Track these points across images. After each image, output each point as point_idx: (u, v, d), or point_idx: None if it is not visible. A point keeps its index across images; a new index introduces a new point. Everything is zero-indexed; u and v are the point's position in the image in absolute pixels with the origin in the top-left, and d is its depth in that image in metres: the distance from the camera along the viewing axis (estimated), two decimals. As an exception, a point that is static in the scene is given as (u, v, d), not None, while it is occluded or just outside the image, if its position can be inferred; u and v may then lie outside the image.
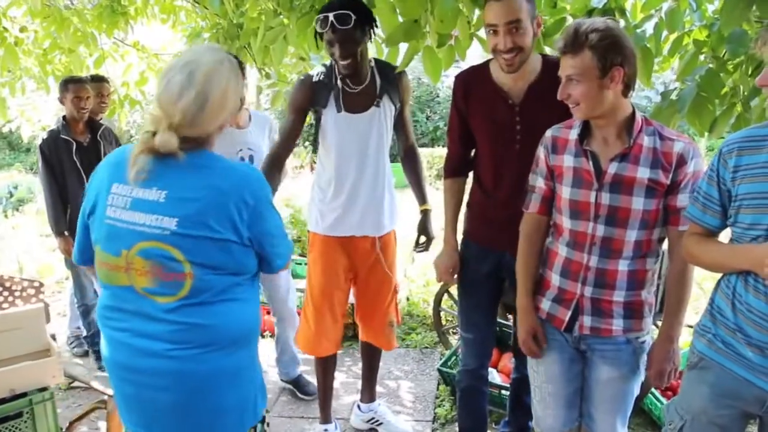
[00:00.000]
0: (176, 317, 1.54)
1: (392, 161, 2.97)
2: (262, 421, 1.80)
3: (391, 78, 2.65)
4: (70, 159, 3.73)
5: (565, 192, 1.96)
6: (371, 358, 3.11)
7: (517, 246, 2.13)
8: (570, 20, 2.41)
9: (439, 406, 3.44)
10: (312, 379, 3.43)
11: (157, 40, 5.72)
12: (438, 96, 13.72)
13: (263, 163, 2.68)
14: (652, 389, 3.04)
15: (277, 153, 2.68)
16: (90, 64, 4.93)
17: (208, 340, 1.57)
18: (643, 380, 2.07)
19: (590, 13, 2.37)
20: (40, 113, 6.22)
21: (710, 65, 2.27)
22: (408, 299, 4.94)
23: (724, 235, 1.77)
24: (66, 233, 3.76)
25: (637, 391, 2.09)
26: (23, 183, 10.39)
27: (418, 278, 5.35)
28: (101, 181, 1.62)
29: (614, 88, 1.79)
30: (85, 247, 1.71)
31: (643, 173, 1.84)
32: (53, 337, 2.69)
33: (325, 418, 3.08)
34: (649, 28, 2.44)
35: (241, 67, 3.05)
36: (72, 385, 3.66)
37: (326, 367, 2.99)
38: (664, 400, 3.05)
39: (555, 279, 2.03)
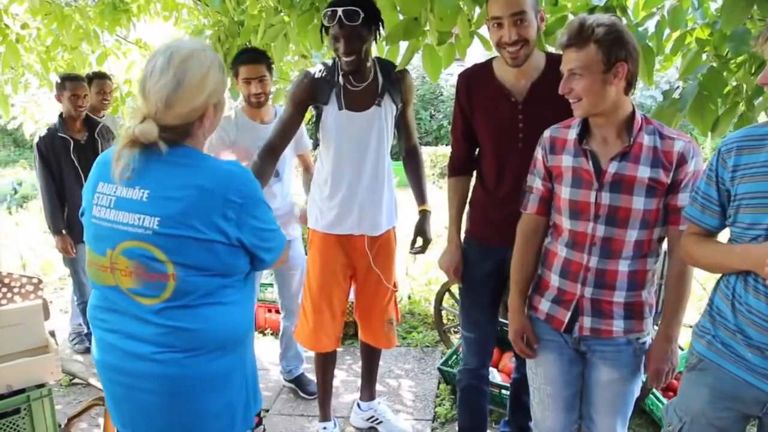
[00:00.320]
0: (161, 320, 1.52)
1: (396, 160, 2.97)
2: (256, 425, 1.78)
3: (393, 77, 2.64)
4: (68, 157, 3.73)
5: (564, 192, 1.94)
6: (370, 357, 3.11)
7: None
8: (571, 18, 2.39)
9: (440, 405, 3.43)
10: (314, 378, 3.43)
11: (160, 37, 5.71)
12: (442, 94, 13.72)
13: (258, 152, 2.66)
14: (653, 389, 3.03)
15: (272, 144, 2.65)
16: (92, 61, 4.94)
17: (193, 344, 1.54)
18: (644, 381, 2.06)
19: (592, 10, 2.35)
20: (43, 110, 6.24)
21: (712, 64, 2.25)
22: (409, 298, 4.93)
23: (722, 236, 1.76)
24: (63, 231, 3.76)
25: (637, 392, 2.08)
26: (27, 180, 10.43)
27: (419, 277, 5.35)
28: (89, 181, 1.62)
29: (617, 84, 1.78)
30: None
31: (643, 172, 1.82)
32: (52, 333, 2.68)
33: (325, 416, 3.08)
34: (650, 26, 2.43)
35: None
36: (73, 381, 3.67)
37: (326, 364, 2.99)
38: (665, 400, 3.03)
39: (554, 280, 2.01)
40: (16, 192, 9.78)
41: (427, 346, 4.19)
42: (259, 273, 3.46)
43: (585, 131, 1.91)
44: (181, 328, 1.52)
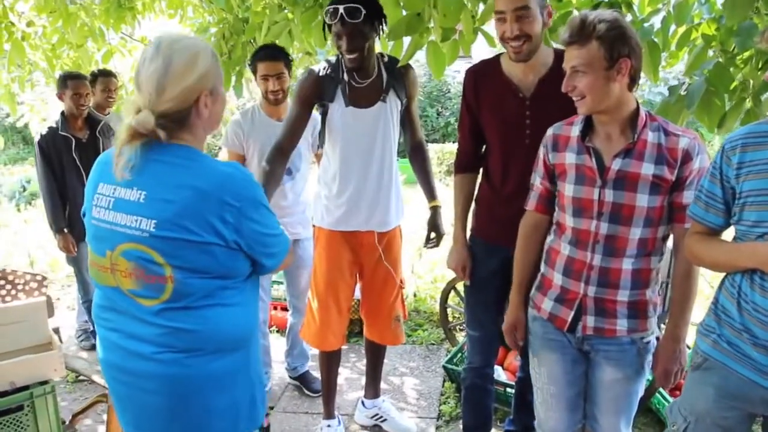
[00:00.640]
0: (161, 320, 1.51)
1: (402, 157, 2.95)
2: (262, 427, 1.76)
3: (397, 73, 2.63)
4: (69, 155, 3.74)
5: (567, 189, 1.93)
6: (375, 355, 3.10)
7: None
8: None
9: (444, 403, 3.42)
10: (319, 376, 3.43)
11: (165, 35, 5.72)
12: (449, 91, 13.66)
13: (267, 155, 2.65)
14: (660, 388, 3.01)
15: (281, 144, 2.64)
16: (98, 59, 4.95)
17: (193, 345, 1.53)
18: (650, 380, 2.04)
19: (596, 6, 2.34)
20: (49, 108, 6.25)
21: (719, 59, 2.22)
22: (415, 295, 4.92)
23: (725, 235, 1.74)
24: (65, 230, 3.76)
25: (641, 392, 2.06)
26: (36, 177, 10.43)
27: (425, 275, 5.34)
28: (90, 181, 1.61)
29: (621, 80, 1.76)
30: None
31: (647, 169, 1.80)
32: (56, 330, 2.70)
33: (329, 414, 3.07)
34: (656, 22, 2.40)
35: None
36: (79, 378, 3.69)
37: (330, 362, 2.99)
38: (671, 399, 3.01)
39: (557, 278, 2.00)
40: (24, 189, 9.81)
41: (433, 344, 4.18)
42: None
43: (588, 128, 1.90)
44: (181, 329, 1.52)
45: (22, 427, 2.41)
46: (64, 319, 4.62)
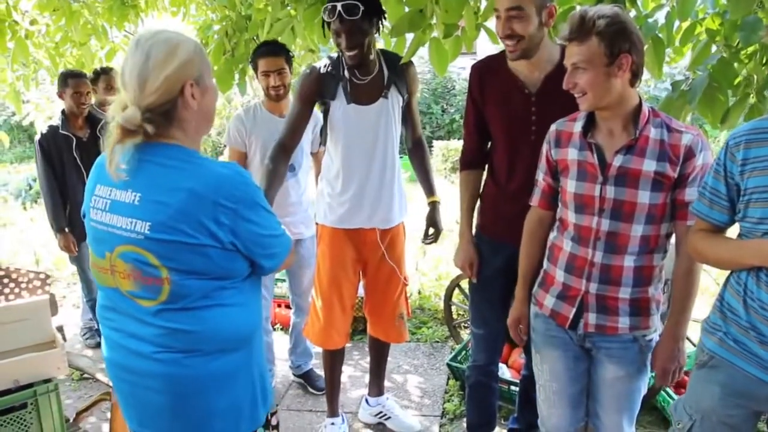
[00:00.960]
0: (159, 321, 1.51)
1: (402, 155, 2.95)
2: (266, 426, 1.76)
3: (398, 69, 2.62)
4: (70, 154, 3.74)
5: (570, 186, 1.92)
6: (379, 353, 3.10)
7: None
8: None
9: (448, 401, 3.41)
10: (322, 374, 3.43)
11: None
12: (454, 88, 13.64)
13: (269, 153, 2.65)
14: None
15: (283, 142, 2.64)
16: (102, 57, 4.95)
17: (192, 345, 1.53)
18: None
19: (599, 2, 2.32)
20: (54, 107, 6.26)
21: (723, 54, 2.21)
22: (419, 293, 4.91)
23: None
24: (66, 230, 3.77)
25: (644, 389, 2.05)
26: (39, 176, 10.45)
27: (430, 272, 5.33)
28: (89, 183, 1.61)
29: (622, 76, 1.75)
30: None
31: (649, 166, 1.79)
32: (60, 328, 2.70)
33: (333, 412, 3.08)
34: (660, 17, 2.38)
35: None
36: (84, 376, 3.70)
37: (334, 360, 2.99)
38: (676, 397, 2.99)
39: (559, 275, 1.99)
40: (30, 188, 9.83)
41: (437, 342, 4.17)
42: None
43: (590, 124, 1.89)
44: (179, 330, 1.51)
45: (25, 425, 2.42)
46: (69, 317, 4.64)
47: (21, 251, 6.45)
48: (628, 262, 1.87)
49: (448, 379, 3.63)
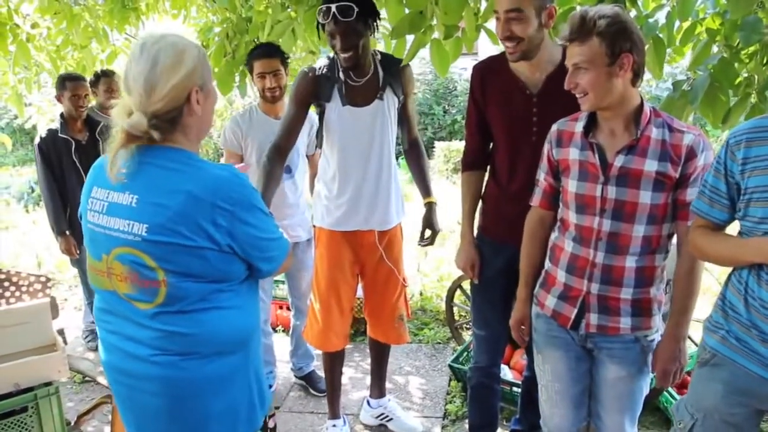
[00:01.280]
0: (156, 324, 1.51)
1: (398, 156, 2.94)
2: (263, 429, 1.75)
3: (393, 70, 2.62)
4: (69, 158, 3.73)
5: (571, 186, 1.91)
6: (380, 354, 3.09)
7: None
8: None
9: (450, 402, 3.41)
10: (324, 376, 3.43)
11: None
12: (455, 89, 13.62)
13: (264, 155, 2.64)
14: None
15: (279, 144, 2.63)
16: (103, 59, 4.95)
17: (189, 348, 1.52)
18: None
19: (600, 2, 2.31)
20: (57, 109, 6.27)
21: (723, 54, 2.20)
22: (421, 294, 4.91)
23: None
24: (67, 233, 3.77)
25: (646, 389, 2.04)
26: (40, 179, 10.47)
27: (431, 273, 5.32)
28: (86, 185, 1.61)
29: (623, 76, 1.75)
30: None
31: (650, 166, 1.78)
32: (61, 332, 2.69)
33: (334, 414, 3.07)
34: (661, 17, 2.38)
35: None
36: (86, 379, 3.69)
37: (334, 362, 2.98)
38: (678, 397, 2.98)
39: (561, 275, 1.99)
40: (33, 190, 9.84)
41: (439, 343, 4.16)
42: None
43: (592, 124, 1.88)
44: (176, 332, 1.51)
45: (26, 429, 2.41)
46: (71, 319, 4.64)
47: (23, 254, 6.46)
48: (630, 262, 1.87)
49: (450, 380, 3.63)
